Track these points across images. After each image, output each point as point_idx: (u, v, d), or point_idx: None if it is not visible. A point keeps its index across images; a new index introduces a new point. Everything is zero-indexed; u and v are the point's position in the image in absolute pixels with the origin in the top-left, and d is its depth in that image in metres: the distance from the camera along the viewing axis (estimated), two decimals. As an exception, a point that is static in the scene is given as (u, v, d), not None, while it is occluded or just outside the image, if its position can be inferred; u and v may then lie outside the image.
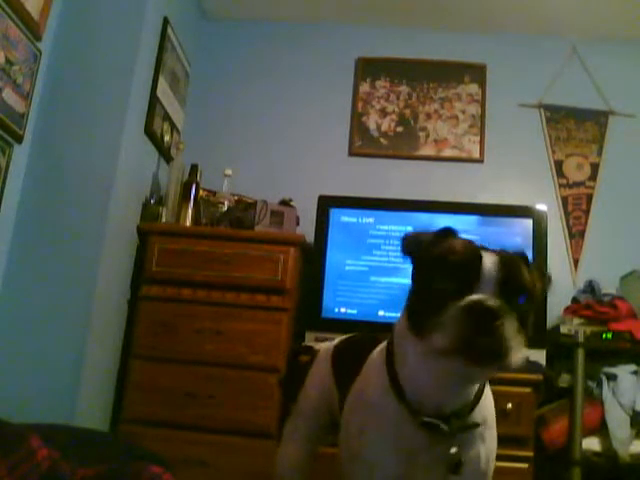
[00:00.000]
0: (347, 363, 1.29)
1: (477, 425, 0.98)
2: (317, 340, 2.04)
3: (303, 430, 1.38)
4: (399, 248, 0.98)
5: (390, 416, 0.98)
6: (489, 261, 0.86)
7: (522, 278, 0.88)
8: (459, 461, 0.95)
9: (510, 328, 0.82)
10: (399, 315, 1.04)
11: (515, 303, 0.86)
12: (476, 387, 0.99)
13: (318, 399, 1.36)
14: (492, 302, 0.82)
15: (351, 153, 2.91)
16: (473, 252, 0.88)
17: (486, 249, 0.90)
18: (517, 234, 2.34)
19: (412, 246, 0.98)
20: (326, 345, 1.45)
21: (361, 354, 1.21)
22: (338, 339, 1.44)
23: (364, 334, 1.45)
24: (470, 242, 0.92)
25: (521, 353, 0.84)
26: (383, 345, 1.10)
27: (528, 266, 0.93)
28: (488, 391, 1.04)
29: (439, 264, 0.89)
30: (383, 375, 1.01)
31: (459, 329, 0.82)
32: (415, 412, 0.96)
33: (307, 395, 1.39)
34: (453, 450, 0.95)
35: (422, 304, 0.90)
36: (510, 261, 0.89)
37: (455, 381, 0.94)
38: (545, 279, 0.97)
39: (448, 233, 0.96)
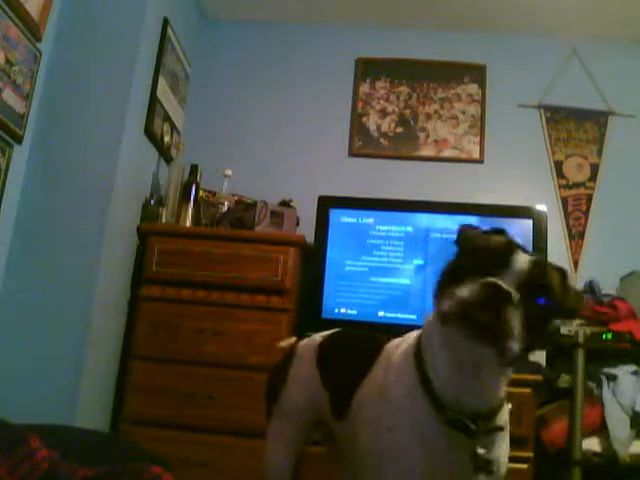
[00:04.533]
0: (337, 362, 1.29)
1: (502, 428, 1.01)
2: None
3: (289, 432, 1.37)
4: (455, 238, 1.05)
5: (418, 414, 0.98)
6: (521, 258, 0.92)
7: (547, 283, 0.92)
8: (488, 461, 0.97)
9: (516, 319, 0.86)
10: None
11: (532, 303, 0.89)
12: (499, 391, 1.01)
13: (303, 400, 1.34)
14: (506, 287, 0.87)
15: (351, 153, 2.91)
16: (510, 247, 0.94)
17: (525, 250, 0.96)
18: (517, 235, 2.28)
19: (463, 237, 1.04)
20: (305, 343, 1.43)
21: (355, 353, 1.20)
22: (319, 336, 1.42)
23: (347, 331, 1.43)
24: (513, 241, 0.98)
25: (519, 347, 0.86)
26: (403, 341, 1.11)
27: (563, 280, 0.96)
28: None
29: (478, 251, 0.95)
30: (411, 371, 1.02)
31: (466, 297, 0.87)
32: (440, 407, 0.97)
33: (291, 396, 1.37)
34: (481, 451, 0.97)
35: (446, 279, 0.95)
36: (541, 265, 0.94)
37: (468, 366, 0.95)
38: (578, 298, 1.01)
39: (498, 232, 1.02)
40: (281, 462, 1.37)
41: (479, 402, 0.98)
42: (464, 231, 1.06)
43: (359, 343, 1.27)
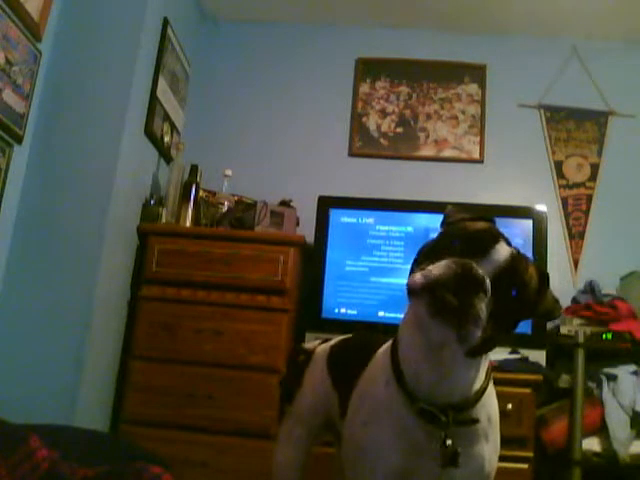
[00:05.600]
0: (344, 364, 1.30)
1: (476, 421, 0.98)
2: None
3: (300, 433, 1.38)
4: (441, 220, 1.03)
5: (393, 407, 0.98)
6: (502, 249, 0.89)
7: (523, 278, 0.90)
8: (455, 453, 0.94)
9: (483, 305, 0.83)
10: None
11: (503, 295, 0.87)
12: (471, 381, 0.97)
13: (315, 402, 1.36)
14: (480, 272, 0.84)
15: (351, 154, 2.91)
16: (493, 236, 0.92)
17: (509, 243, 0.93)
18: (517, 235, 2.33)
19: (448, 219, 1.03)
20: (322, 347, 1.45)
21: (358, 354, 1.21)
22: (333, 340, 1.45)
23: (359, 335, 1.45)
24: (498, 231, 0.95)
25: (480, 335, 0.83)
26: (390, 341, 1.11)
27: (542, 282, 0.94)
28: (492, 391, 1.04)
29: (460, 233, 0.93)
30: (386, 367, 1.03)
31: (437, 274, 0.84)
32: (413, 399, 0.96)
33: (304, 398, 1.39)
34: (448, 442, 0.94)
35: (423, 257, 0.93)
36: (521, 260, 0.91)
37: (433, 350, 0.93)
38: (555, 304, 0.98)
39: (486, 220, 1.00)
40: (290, 463, 1.38)
41: (450, 392, 0.96)
42: (450, 213, 1.04)
43: (363, 345, 1.28)
